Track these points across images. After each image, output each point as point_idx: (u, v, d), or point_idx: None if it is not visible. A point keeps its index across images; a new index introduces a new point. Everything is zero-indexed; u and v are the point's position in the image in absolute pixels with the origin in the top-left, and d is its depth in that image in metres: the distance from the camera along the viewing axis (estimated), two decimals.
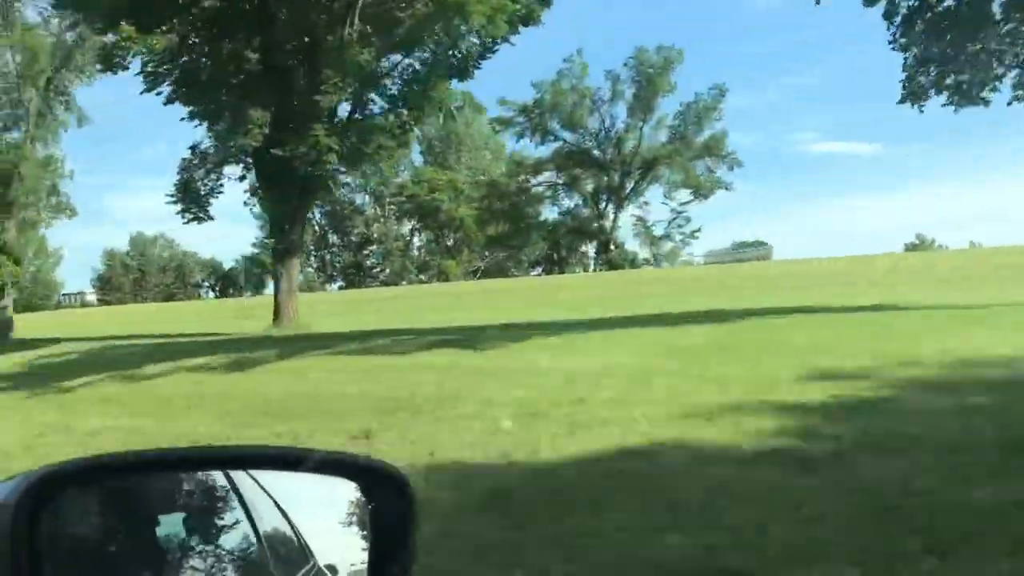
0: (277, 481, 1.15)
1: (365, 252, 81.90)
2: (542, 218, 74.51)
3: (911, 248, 71.72)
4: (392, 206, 78.90)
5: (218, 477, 1.12)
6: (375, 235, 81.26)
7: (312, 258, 79.48)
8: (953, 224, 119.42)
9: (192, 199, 22.28)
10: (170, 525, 1.07)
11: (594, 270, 70.92)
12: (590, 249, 76.00)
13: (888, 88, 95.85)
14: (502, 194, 72.48)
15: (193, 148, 22.30)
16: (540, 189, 73.62)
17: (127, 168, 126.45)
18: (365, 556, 1.14)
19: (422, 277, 77.53)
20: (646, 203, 71.60)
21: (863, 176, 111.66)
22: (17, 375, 15.24)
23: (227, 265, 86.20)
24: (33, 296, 73.22)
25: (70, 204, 37.69)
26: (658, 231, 71.28)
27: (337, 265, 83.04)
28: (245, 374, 12.23)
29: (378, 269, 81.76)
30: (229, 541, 1.11)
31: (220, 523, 1.13)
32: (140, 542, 1.03)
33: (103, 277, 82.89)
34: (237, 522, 1.12)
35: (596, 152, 70.72)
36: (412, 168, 77.04)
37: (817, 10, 18.41)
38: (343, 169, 24.34)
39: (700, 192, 68.09)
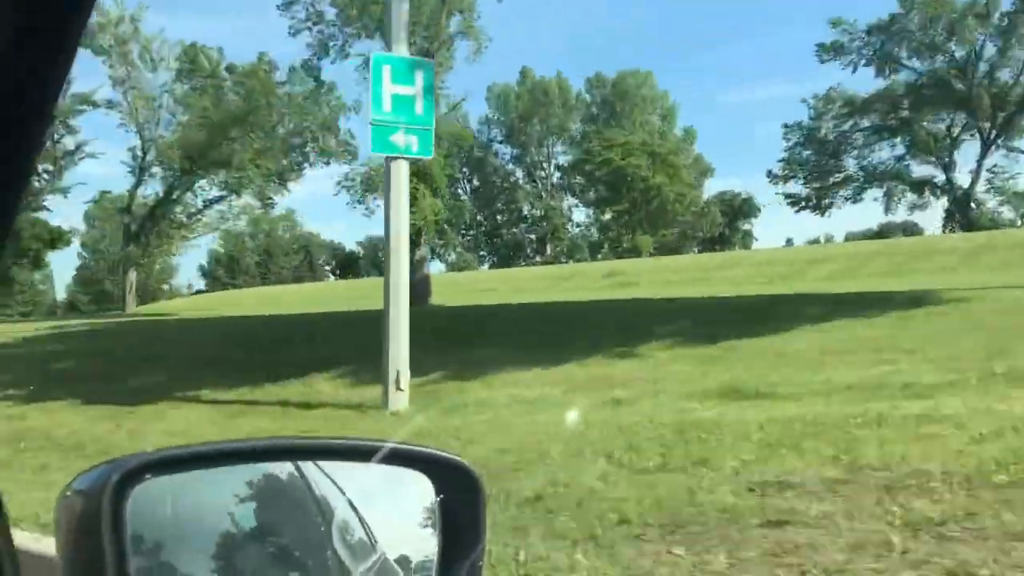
0: (347, 473, 1.18)
1: (513, 229, 78.69)
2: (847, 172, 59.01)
3: None
4: (552, 176, 74.01)
5: (288, 468, 1.15)
6: (534, 211, 77.35)
7: (462, 236, 77.27)
8: None
9: None
10: (240, 514, 1.11)
11: (948, 232, 56.47)
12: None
13: None
14: (818, 141, 57.37)
15: None
16: (855, 135, 57.94)
17: None
18: (434, 550, 1.16)
19: (583, 256, 72.13)
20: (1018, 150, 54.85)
21: None
22: None
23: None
24: (153, 281, 68.09)
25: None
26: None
27: (484, 244, 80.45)
28: None
29: (533, 248, 77.54)
30: (297, 531, 1.15)
31: (288, 513, 1.16)
32: (210, 530, 1.08)
33: (229, 258, 74.74)
34: (305, 512, 1.16)
35: (960, 86, 52.92)
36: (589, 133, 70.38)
37: None
38: None
39: None
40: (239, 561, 1.08)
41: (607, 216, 74.06)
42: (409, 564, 1.18)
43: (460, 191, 79.54)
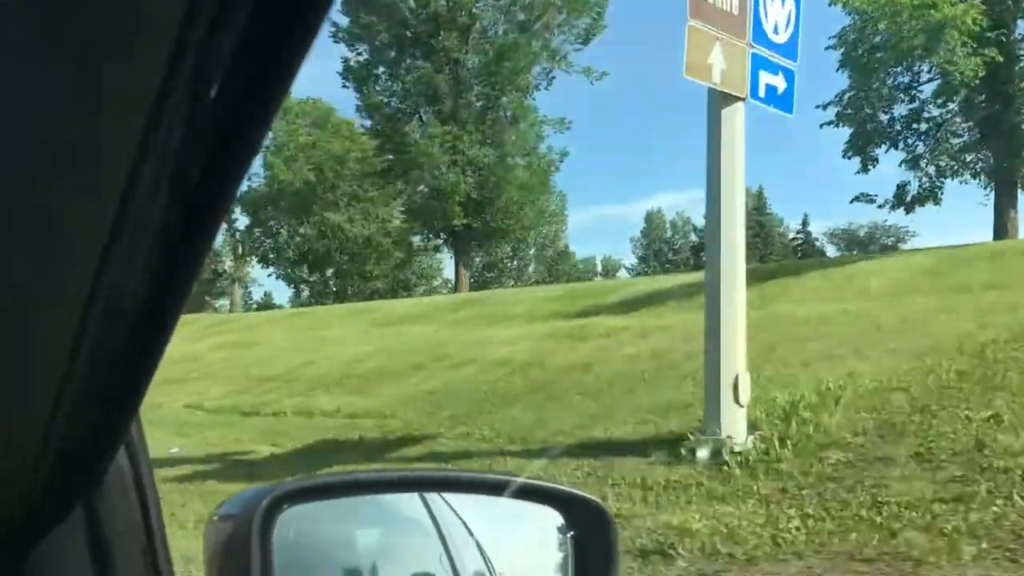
0: (474, 506, 1.20)
1: None
2: None
3: None
4: None
5: (416, 499, 1.18)
6: None
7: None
8: None
9: None
10: (369, 543, 1.15)
11: None
12: None
13: None
14: None
15: None
16: None
17: None
18: None
19: None
20: None
21: None
22: None
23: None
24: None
25: None
26: None
27: None
28: None
29: None
30: (421, 561, 1.17)
31: (417, 544, 1.19)
32: (339, 558, 1.12)
33: (671, 248, 58.36)
34: (432, 544, 1.17)
35: None
36: None
37: None
38: None
39: None
40: None
41: None
42: None
43: None
